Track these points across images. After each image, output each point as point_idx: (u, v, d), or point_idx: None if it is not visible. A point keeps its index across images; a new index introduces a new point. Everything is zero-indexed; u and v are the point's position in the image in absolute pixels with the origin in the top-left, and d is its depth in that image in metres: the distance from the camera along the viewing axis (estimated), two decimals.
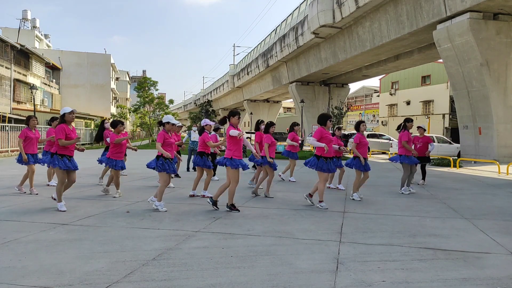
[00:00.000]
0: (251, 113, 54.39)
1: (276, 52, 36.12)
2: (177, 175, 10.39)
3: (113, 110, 46.51)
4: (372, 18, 22.91)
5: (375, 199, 7.52)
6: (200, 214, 5.87)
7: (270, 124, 8.05)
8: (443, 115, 38.64)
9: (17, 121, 24.40)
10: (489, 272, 3.54)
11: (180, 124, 9.67)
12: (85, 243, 4.25)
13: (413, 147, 9.21)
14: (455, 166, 14.89)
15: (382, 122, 48.31)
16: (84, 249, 4.02)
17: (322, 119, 6.62)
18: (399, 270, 3.55)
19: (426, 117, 39.93)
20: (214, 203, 6.18)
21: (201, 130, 7.61)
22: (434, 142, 20.83)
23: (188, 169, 12.31)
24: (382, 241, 4.49)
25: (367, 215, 5.98)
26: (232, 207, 6.10)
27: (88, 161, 13.70)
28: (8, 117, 23.67)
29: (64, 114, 6.12)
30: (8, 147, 18.68)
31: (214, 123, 7.98)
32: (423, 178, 9.95)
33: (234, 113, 6.23)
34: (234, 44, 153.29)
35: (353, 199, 7.33)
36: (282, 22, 36.24)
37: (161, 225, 5.13)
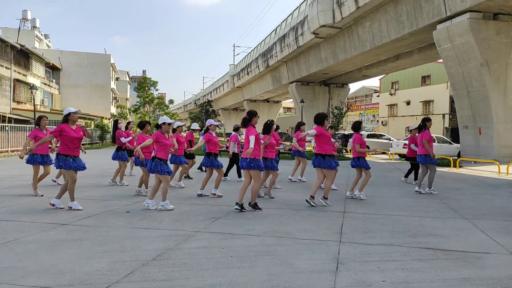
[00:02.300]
0: None
1: (276, 52, 36.12)
2: (188, 177, 10.39)
3: (113, 110, 46.52)
4: (372, 18, 22.91)
5: (375, 199, 7.51)
6: (200, 214, 5.87)
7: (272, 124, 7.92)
8: (443, 115, 38.65)
9: (17, 121, 24.39)
10: (489, 272, 3.54)
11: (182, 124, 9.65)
12: (85, 243, 4.25)
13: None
14: (455, 166, 14.88)
15: (382, 122, 48.33)
16: (84, 249, 4.02)
17: (321, 119, 6.70)
18: (399, 270, 3.55)
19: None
20: (241, 207, 6.13)
21: (206, 131, 7.67)
22: (434, 141, 20.97)
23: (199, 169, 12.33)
24: (382, 241, 4.49)
25: (367, 215, 5.98)
26: (255, 206, 6.19)
27: (88, 161, 13.68)
28: (8, 117, 23.67)
29: (69, 114, 6.13)
30: (8, 147, 18.68)
31: (219, 123, 8.03)
32: (407, 176, 10.30)
33: (255, 113, 6.37)
34: (234, 44, 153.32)
35: (358, 197, 7.42)
36: (282, 22, 36.24)
37: (161, 225, 5.13)
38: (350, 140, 24.82)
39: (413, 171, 10.16)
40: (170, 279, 3.26)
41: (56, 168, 6.24)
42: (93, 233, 4.67)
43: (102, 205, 6.46)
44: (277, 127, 8.97)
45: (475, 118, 18.02)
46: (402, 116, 43.45)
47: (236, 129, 9.58)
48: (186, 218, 5.54)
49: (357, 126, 7.70)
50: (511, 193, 8.63)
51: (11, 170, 11.96)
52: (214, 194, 7.46)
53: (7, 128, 18.79)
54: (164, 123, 6.34)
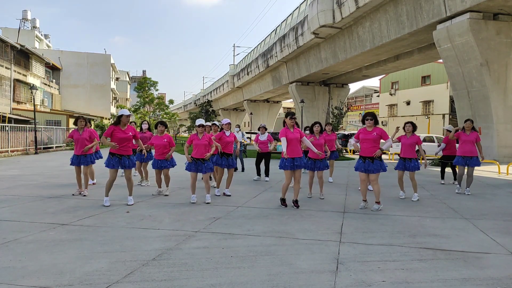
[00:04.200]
0: (251, 113, 54.43)
1: (276, 52, 36.12)
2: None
3: (113, 110, 46.51)
4: (372, 18, 22.91)
5: (374, 199, 7.50)
6: (200, 214, 5.87)
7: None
8: (443, 115, 38.65)
9: (17, 121, 24.38)
10: (489, 272, 3.54)
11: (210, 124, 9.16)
12: (85, 243, 4.25)
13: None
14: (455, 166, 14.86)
15: (382, 122, 48.32)
16: (84, 249, 4.02)
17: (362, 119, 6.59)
18: (399, 270, 3.55)
19: (426, 117, 39.94)
20: (283, 201, 6.48)
21: (220, 129, 8.03)
22: (434, 142, 20.93)
23: (242, 170, 12.47)
24: (382, 241, 4.49)
25: (367, 215, 5.98)
26: (282, 202, 6.49)
27: None
28: (8, 117, 23.66)
29: (121, 115, 6.45)
30: (8, 147, 18.68)
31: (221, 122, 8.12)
32: (455, 179, 10.15)
33: (288, 114, 6.50)
34: (234, 44, 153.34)
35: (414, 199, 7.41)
36: (282, 22, 36.24)
37: (161, 225, 5.13)
38: (350, 140, 24.80)
39: (453, 171, 10.21)
40: (170, 279, 3.26)
41: (106, 167, 6.47)
42: (93, 233, 4.67)
43: (102, 205, 6.46)
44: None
45: (475, 118, 18.02)
46: (402, 116, 43.41)
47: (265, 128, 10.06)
48: (186, 218, 5.54)
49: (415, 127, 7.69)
50: (511, 193, 8.63)
51: (11, 170, 11.96)
52: (224, 194, 7.66)
53: (7, 128, 18.78)
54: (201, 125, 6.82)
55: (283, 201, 6.50)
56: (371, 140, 6.24)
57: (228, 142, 7.74)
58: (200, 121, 6.83)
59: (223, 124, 7.95)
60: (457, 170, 9.70)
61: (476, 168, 14.96)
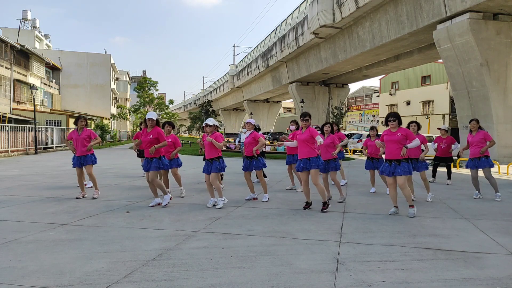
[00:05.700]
0: (251, 113, 54.45)
1: (276, 52, 36.12)
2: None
3: (113, 110, 46.52)
4: (372, 18, 22.92)
5: (375, 199, 7.51)
6: (200, 214, 5.87)
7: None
8: (443, 115, 38.65)
9: (17, 121, 24.38)
10: (489, 272, 3.54)
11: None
12: (85, 243, 4.25)
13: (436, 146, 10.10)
14: (455, 166, 14.88)
15: (382, 122, 48.31)
16: (84, 249, 4.02)
17: (385, 119, 6.35)
18: (399, 270, 3.54)
19: (426, 117, 39.94)
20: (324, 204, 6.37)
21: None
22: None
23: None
24: (382, 241, 4.49)
25: (367, 215, 5.98)
26: (306, 205, 6.44)
27: None
28: (8, 117, 23.66)
29: (157, 120, 6.53)
30: (8, 147, 18.68)
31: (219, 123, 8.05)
32: (449, 178, 10.40)
33: (302, 114, 6.38)
34: (234, 44, 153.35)
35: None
36: (282, 22, 36.25)
37: (161, 225, 5.13)
38: (351, 140, 24.81)
39: (447, 171, 10.44)
40: (170, 279, 3.26)
41: (145, 170, 6.49)
42: (93, 233, 4.67)
43: (102, 205, 6.46)
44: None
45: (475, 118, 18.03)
46: (402, 116, 43.31)
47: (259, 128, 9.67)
48: (186, 218, 5.54)
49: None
50: (511, 193, 8.63)
51: (11, 170, 11.96)
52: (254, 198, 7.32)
53: (7, 128, 18.78)
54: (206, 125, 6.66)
55: (307, 204, 6.34)
56: (396, 141, 5.98)
57: (245, 144, 7.44)
58: (206, 121, 6.66)
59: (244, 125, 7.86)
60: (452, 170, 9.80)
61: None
